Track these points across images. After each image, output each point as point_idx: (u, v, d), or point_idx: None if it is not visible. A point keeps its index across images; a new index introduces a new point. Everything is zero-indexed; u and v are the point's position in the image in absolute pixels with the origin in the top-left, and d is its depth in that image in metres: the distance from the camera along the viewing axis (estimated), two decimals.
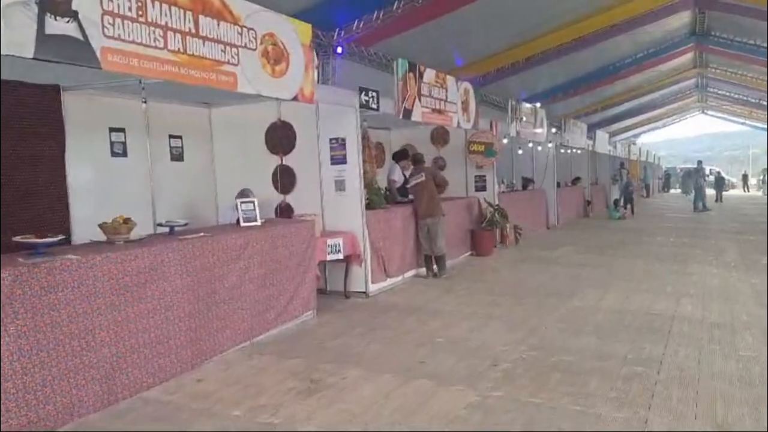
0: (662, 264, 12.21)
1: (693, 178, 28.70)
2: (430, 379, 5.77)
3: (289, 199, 9.79)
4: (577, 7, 17.25)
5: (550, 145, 19.91)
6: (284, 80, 7.15)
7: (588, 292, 9.52)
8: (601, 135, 28.96)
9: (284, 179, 9.76)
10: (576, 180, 24.43)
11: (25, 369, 4.51)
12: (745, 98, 36.78)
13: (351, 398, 5.36)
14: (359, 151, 9.42)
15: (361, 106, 9.40)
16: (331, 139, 9.46)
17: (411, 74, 10.60)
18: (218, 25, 6.09)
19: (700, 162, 28.86)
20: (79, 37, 4.72)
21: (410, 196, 11.39)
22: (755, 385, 5.50)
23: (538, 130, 18.13)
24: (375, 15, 13.13)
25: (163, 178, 8.99)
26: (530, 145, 19.21)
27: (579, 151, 24.50)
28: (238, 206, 7.46)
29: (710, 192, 31.91)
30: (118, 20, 5.02)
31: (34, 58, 4.46)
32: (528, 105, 17.56)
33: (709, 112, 54.55)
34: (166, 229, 6.68)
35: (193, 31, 5.79)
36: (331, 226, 9.44)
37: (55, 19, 4.55)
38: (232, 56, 6.30)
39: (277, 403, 5.28)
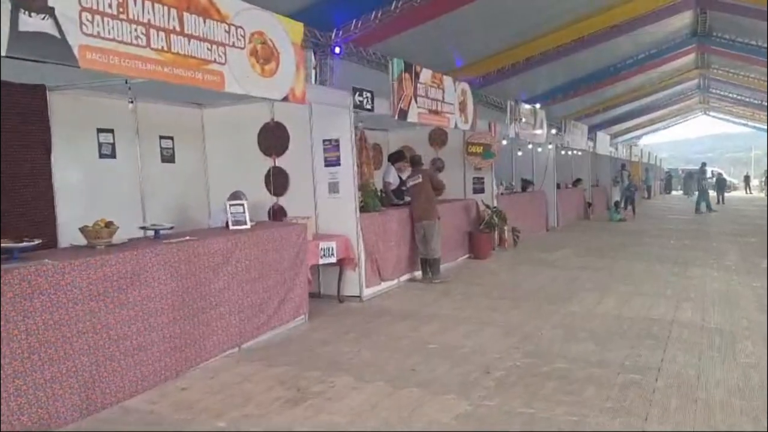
0: (662, 267, 12.05)
1: (696, 180, 28.47)
2: (420, 387, 5.61)
3: (282, 201, 9.62)
4: (577, 7, 17.15)
5: (550, 146, 19.75)
6: (274, 80, 6.98)
7: (586, 296, 9.36)
8: (602, 136, 28.83)
9: (277, 181, 9.59)
10: (576, 182, 24.26)
11: None
12: (747, 99, 36.66)
13: (337, 408, 5.20)
14: (353, 152, 9.24)
15: (355, 106, 9.23)
16: (324, 141, 9.29)
17: (407, 74, 10.44)
18: (204, 22, 5.92)
19: (704, 164, 28.69)
20: (56, 34, 4.56)
21: (407, 198, 11.22)
22: (755, 395, 5.33)
23: (538, 132, 17.98)
24: (373, 15, 13.07)
25: (154, 179, 8.87)
26: (530, 146, 19.03)
27: (580, 153, 24.36)
28: (227, 209, 7.29)
29: (711, 194, 31.73)
30: (98, 17, 4.86)
31: (7, 56, 4.30)
32: (527, 106, 17.40)
33: (711, 114, 54.52)
34: (152, 233, 6.50)
35: (178, 29, 5.63)
36: (325, 229, 9.27)
37: (30, 16, 4.38)
38: (219, 55, 6.13)
39: (262, 412, 5.12)
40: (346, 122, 9.13)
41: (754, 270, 11.41)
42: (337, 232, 9.17)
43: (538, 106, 18.61)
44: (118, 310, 5.27)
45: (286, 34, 7.14)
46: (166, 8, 5.50)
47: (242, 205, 7.34)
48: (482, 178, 14.39)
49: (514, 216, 15.21)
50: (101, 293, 5.11)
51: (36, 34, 4.44)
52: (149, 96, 8.33)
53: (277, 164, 9.60)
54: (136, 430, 4.86)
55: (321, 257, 8.63)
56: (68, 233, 6.90)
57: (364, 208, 9.70)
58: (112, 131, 8.27)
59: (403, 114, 10.40)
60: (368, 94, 9.48)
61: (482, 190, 14.38)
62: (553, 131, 20.36)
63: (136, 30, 5.20)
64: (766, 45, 20.18)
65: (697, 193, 28.80)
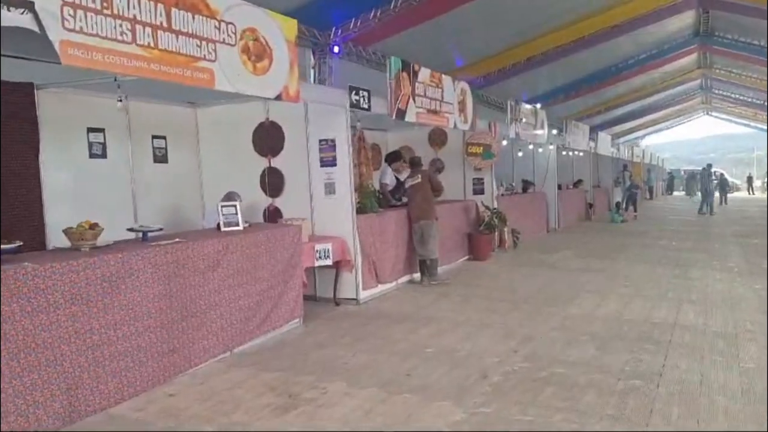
0: (664, 269, 11.89)
1: (701, 180, 28.26)
2: (414, 393, 5.45)
3: (278, 202, 9.49)
4: (578, 7, 17.01)
5: (551, 147, 19.61)
6: (267, 78, 6.83)
7: (586, 298, 9.21)
8: (604, 137, 28.66)
9: (272, 182, 9.46)
10: (578, 183, 24.12)
11: None
12: (749, 100, 36.48)
13: (329, 415, 5.04)
14: (350, 152, 9.09)
15: (352, 105, 9.07)
16: (320, 141, 9.13)
17: (404, 73, 10.28)
18: (193, 18, 5.77)
19: (709, 165, 28.50)
20: (35, 29, 4.41)
21: (404, 199, 11.07)
22: (760, 400, 5.17)
23: (539, 132, 17.82)
24: (372, 14, 12.96)
25: (146, 180, 8.75)
26: (530, 146, 18.89)
27: (581, 154, 24.19)
28: (219, 210, 7.14)
29: (715, 195, 31.57)
30: (80, 12, 4.71)
31: None
32: (528, 106, 17.23)
33: (714, 114, 54.33)
34: (140, 235, 6.34)
35: (165, 24, 5.48)
36: (321, 231, 9.11)
37: (8, 10, 4.24)
38: (209, 52, 5.98)
39: (252, 419, 4.97)
40: (343, 122, 8.97)
41: (757, 272, 11.23)
42: (333, 233, 9.01)
43: (538, 106, 18.45)
44: (102, 315, 5.11)
45: (279, 30, 6.99)
46: (152, 3, 5.35)
47: (234, 206, 7.18)
48: (482, 179, 14.22)
49: (514, 217, 15.08)
50: (84, 297, 4.96)
51: (14, 29, 4.29)
52: (141, 95, 8.18)
53: (272, 164, 9.46)
54: None
55: (317, 259, 8.48)
56: (57, 235, 6.72)
57: (361, 210, 9.54)
58: (102, 131, 8.13)
59: (401, 114, 10.23)
60: (365, 93, 9.32)
61: (482, 191, 14.21)
62: (554, 132, 20.19)
63: (121, 25, 5.05)
64: (767, 44, 20.03)
65: (699, 193, 28.65)
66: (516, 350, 6.66)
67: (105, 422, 4.98)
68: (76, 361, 4.89)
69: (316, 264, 8.52)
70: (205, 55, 5.94)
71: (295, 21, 7.32)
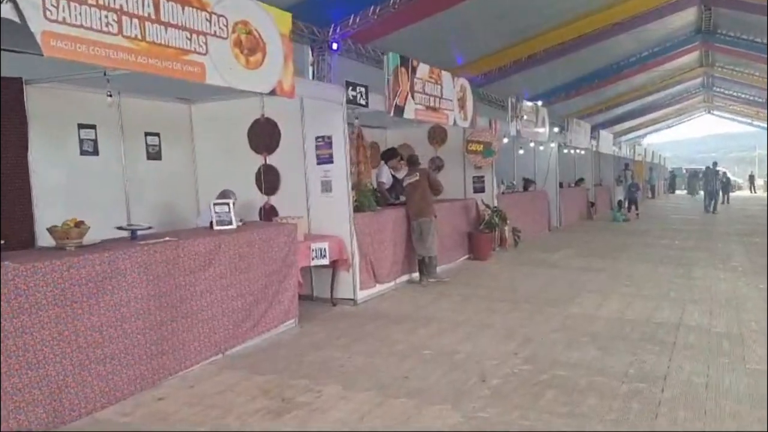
0: (666, 268, 11.72)
1: (708, 179, 28.07)
2: (411, 397, 5.28)
3: (274, 200, 9.32)
4: (579, 5, 16.87)
5: (552, 145, 19.48)
6: (260, 72, 6.64)
7: (588, 298, 9.04)
8: (605, 135, 28.51)
9: (268, 180, 9.28)
10: (579, 181, 23.98)
11: None
12: (751, 98, 36.31)
13: (323, 420, 4.88)
14: (347, 150, 8.92)
15: (349, 102, 8.87)
16: (317, 138, 8.96)
17: (403, 69, 10.09)
18: (183, 10, 5.59)
19: (715, 164, 28.30)
20: (15, 19, 4.24)
21: (401, 198, 10.90)
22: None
23: (540, 130, 17.66)
24: (371, 10, 12.84)
25: (139, 178, 8.59)
26: (532, 145, 18.77)
27: (582, 152, 24.06)
28: (212, 209, 6.96)
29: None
30: (63, 2, 4.52)
31: None
32: (529, 103, 17.07)
33: (716, 113, 54.15)
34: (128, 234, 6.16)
35: (153, 16, 5.29)
36: (318, 230, 8.95)
37: None
38: (200, 45, 5.80)
39: (243, 424, 4.81)
40: (339, 118, 8.78)
41: (761, 271, 11.03)
42: (330, 232, 8.85)
43: (540, 103, 18.31)
44: (87, 316, 4.94)
45: (273, 24, 6.80)
46: None
47: (227, 204, 7.00)
48: (483, 177, 14.06)
49: (515, 216, 14.91)
50: (69, 298, 4.78)
51: None
52: (134, 90, 8.05)
53: (267, 162, 9.29)
54: None
55: (313, 259, 8.31)
56: (46, 234, 6.58)
57: (358, 208, 9.36)
58: (94, 127, 7.95)
59: (399, 110, 10.05)
60: (362, 89, 9.13)
61: (482, 190, 14.05)
62: (556, 130, 20.05)
63: (106, 16, 4.87)
64: (766, 42, 19.87)
65: (701, 192, 28.51)
66: (516, 352, 6.49)
67: (90, 427, 4.82)
68: (60, 364, 4.72)
69: (312, 263, 8.36)
70: (195, 48, 5.76)
71: (289, 14, 7.13)
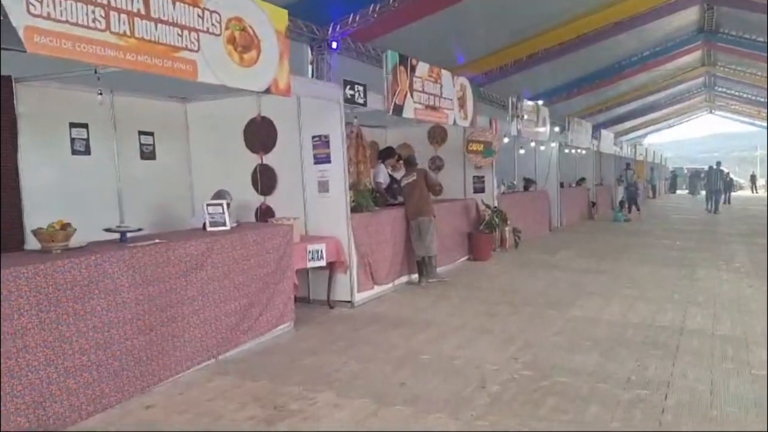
0: (668, 269, 11.57)
1: (710, 178, 27.94)
2: (408, 405, 5.13)
3: (270, 201, 9.17)
4: (580, 4, 16.73)
5: (553, 144, 19.33)
6: (255, 70, 6.47)
7: (589, 301, 8.89)
8: (606, 135, 28.36)
9: (264, 180, 9.14)
10: (580, 181, 23.84)
11: None
12: (753, 97, 36.15)
13: (315, 428, 4.72)
14: (344, 149, 8.76)
15: (347, 100, 8.73)
16: (313, 137, 8.81)
17: (402, 67, 9.93)
18: (174, 6, 5.43)
19: (719, 163, 28.17)
20: None
21: (400, 198, 10.76)
22: None
23: (541, 129, 17.51)
24: (371, 9, 12.76)
25: (133, 178, 8.42)
26: (532, 144, 18.62)
27: (583, 152, 23.90)
28: (205, 209, 6.81)
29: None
30: None
31: None
32: (530, 103, 16.90)
33: (717, 112, 53.99)
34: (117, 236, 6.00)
35: (143, 12, 5.14)
36: (315, 231, 8.80)
37: None
38: (192, 42, 5.64)
39: None
40: (337, 117, 8.63)
41: (763, 273, 10.88)
42: (327, 233, 8.69)
43: (540, 103, 18.17)
44: (73, 322, 4.77)
45: (268, 20, 6.64)
46: None
47: (221, 205, 6.84)
48: (483, 177, 13.91)
49: (515, 216, 14.78)
50: (53, 303, 4.62)
51: None
52: (127, 88, 7.92)
53: (264, 162, 9.15)
54: None
55: (309, 260, 8.15)
56: None
57: (356, 208, 9.21)
58: (86, 126, 7.79)
59: (398, 109, 9.89)
60: (360, 88, 8.97)
61: (483, 190, 13.90)
62: (557, 129, 19.92)
63: (93, 12, 4.71)
64: (766, 40, 19.73)
65: (703, 192, 28.40)
66: (516, 357, 6.34)
67: None
68: (44, 371, 4.55)
69: (309, 265, 8.20)
70: (187, 45, 5.60)
71: (285, 11, 6.96)
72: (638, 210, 24.10)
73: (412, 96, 10.21)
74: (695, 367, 5.97)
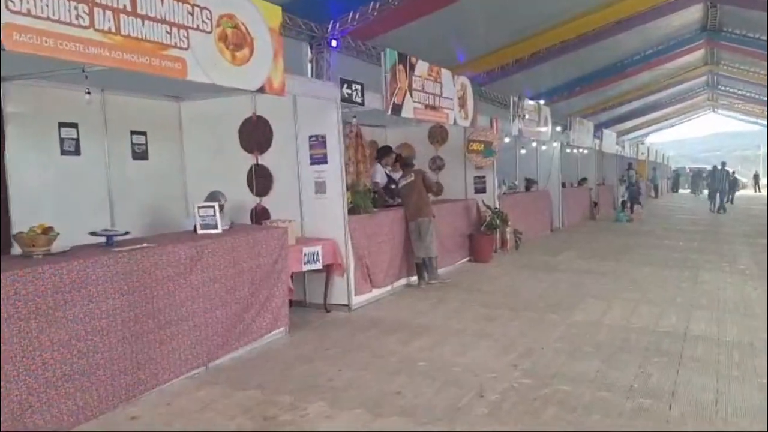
0: (671, 271, 11.40)
1: (714, 178, 27.78)
2: (403, 415, 4.95)
3: (266, 202, 8.99)
4: (582, 3, 16.52)
5: (555, 144, 19.17)
6: (247, 68, 6.29)
7: (591, 304, 8.73)
8: (609, 134, 28.20)
9: (260, 180, 8.96)
10: (582, 181, 23.67)
11: None
12: (756, 96, 35.92)
13: None
14: (341, 149, 8.59)
15: (344, 99, 8.55)
16: (310, 137, 8.63)
17: (401, 66, 9.75)
18: (162, 2, 5.24)
19: (723, 163, 27.91)
20: None
21: (398, 200, 10.59)
22: None
23: (542, 129, 17.35)
24: (371, 6, 12.51)
25: (124, 178, 8.25)
26: (534, 144, 18.46)
27: (585, 151, 23.74)
28: (196, 211, 6.63)
29: None
30: None
31: None
32: (531, 102, 16.76)
33: (720, 111, 53.72)
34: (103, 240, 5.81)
35: (129, 8, 4.95)
36: (311, 232, 8.63)
37: None
38: (181, 39, 5.46)
39: None
40: (334, 117, 8.46)
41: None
42: (324, 235, 8.53)
43: (542, 102, 18.01)
44: (54, 330, 4.58)
45: (261, 18, 6.45)
46: None
47: (213, 207, 6.65)
48: (483, 177, 13.74)
49: (517, 216, 14.62)
50: (33, 311, 4.43)
51: None
52: (118, 87, 7.77)
53: (259, 162, 8.97)
54: None
55: (305, 264, 7.98)
56: None
57: (354, 210, 9.03)
58: (76, 126, 7.61)
59: (397, 108, 9.71)
60: (358, 87, 8.79)
61: (483, 190, 13.73)
62: (558, 129, 19.76)
63: (76, 8, 4.52)
64: (766, 38, 19.56)
65: (706, 191, 28.25)
66: (516, 364, 6.16)
67: None
68: (24, 382, 4.36)
69: (304, 268, 8.03)
70: (176, 43, 5.42)
71: (279, 8, 6.78)
72: (641, 206, 23.92)
73: (411, 95, 10.03)
74: (700, 375, 5.81)
